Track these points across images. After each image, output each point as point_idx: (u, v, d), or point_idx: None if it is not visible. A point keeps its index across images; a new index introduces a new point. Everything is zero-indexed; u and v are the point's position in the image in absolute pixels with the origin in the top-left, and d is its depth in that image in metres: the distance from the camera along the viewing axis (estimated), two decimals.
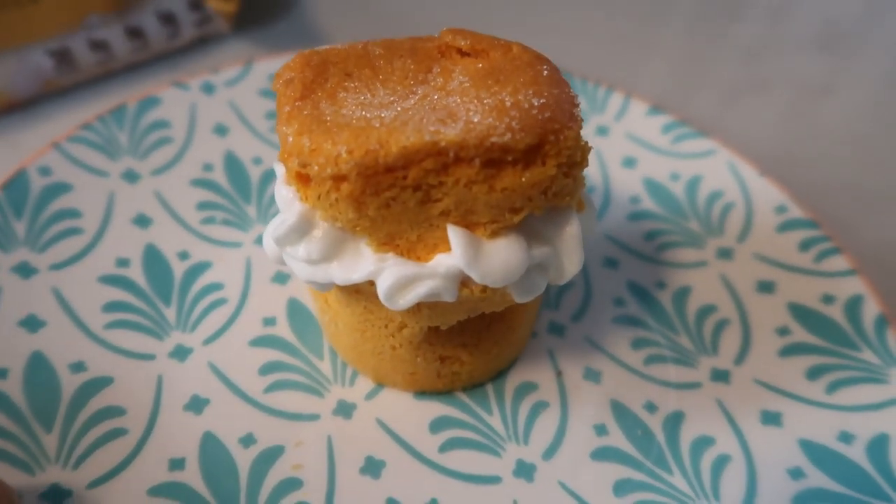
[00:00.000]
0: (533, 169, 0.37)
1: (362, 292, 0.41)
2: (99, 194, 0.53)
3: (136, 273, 0.50)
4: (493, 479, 0.44)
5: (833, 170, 0.66)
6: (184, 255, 0.52)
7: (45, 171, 0.52)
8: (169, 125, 0.57)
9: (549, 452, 0.45)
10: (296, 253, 0.39)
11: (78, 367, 0.45)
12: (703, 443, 0.46)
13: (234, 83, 0.61)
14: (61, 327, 0.46)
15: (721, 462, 0.45)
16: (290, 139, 0.37)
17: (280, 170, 0.41)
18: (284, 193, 0.40)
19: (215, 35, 0.70)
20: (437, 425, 0.46)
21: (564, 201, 0.40)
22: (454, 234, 0.38)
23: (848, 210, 0.63)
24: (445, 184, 0.37)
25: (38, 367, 0.44)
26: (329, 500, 0.42)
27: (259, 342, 0.48)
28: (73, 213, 0.51)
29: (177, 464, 0.42)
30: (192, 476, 0.42)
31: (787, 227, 0.56)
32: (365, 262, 0.39)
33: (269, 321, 0.49)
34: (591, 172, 0.58)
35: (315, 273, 0.40)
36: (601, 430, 0.47)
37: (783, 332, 0.51)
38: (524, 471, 0.44)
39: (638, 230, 0.57)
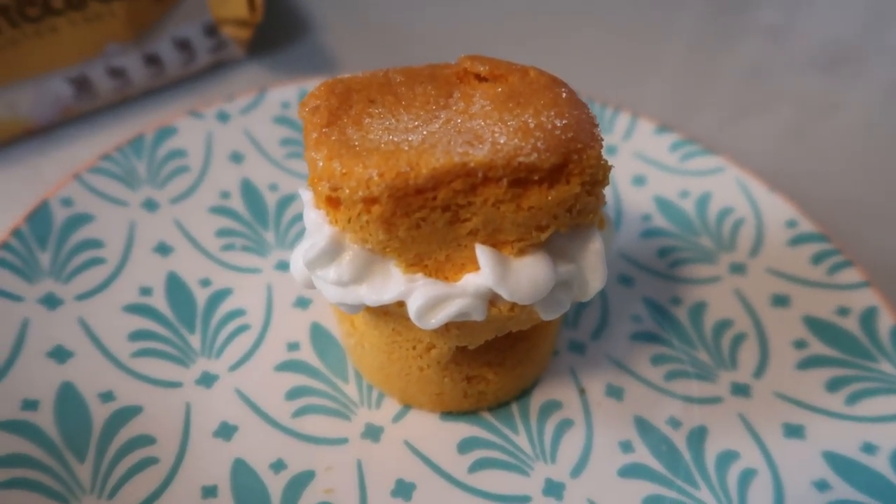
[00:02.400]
0: (558, 187, 0.38)
1: (391, 314, 0.42)
2: (120, 224, 0.53)
3: (159, 301, 0.50)
4: (524, 499, 0.44)
5: (836, 186, 0.67)
6: (205, 283, 0.52)
7: (67, 202, 0.52)
8: (186, 154, 0.58)
9: (577, 470, 0.46)
10: (326, 276, 0.40)
11: (107, 396, 0.45)
12: (728, 457, 0.47)
13: (248, 111, 0.62)
14: (89, 357, 0.46)
15: (747, 476, 0.46)
16: (321, 164, 0.38)
17: (307, 195, 0.42)
18: (314, 217, 0.40)
19: (230, 60, 0.71)
20: (465, 446, 0.46)
21: (588, 219, 0.40)
22: (483, 253, 0.39)
23: (851, 226, 0.64)
24: (474, 203, 0.37)
25: (69, 398, 0.44)
26: None
27: (284, 367, 0.49)
28: (96, 244, 0.52)
29: (209, 491, 0.42)
30: None
31: (798, 241, 0.57)
32: (395, 282, 0.39)
33: (293, 346, 0.50)
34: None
35: (346, 295, 0.40)
36: (627, 447, 0.47)
37: (800, 344, 0.52)
38: (553, 490, 0.45)
39: (651, 247, 0.58)
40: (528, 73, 0.43)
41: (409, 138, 0.38)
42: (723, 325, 0.53)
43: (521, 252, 0.39)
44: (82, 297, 0.49)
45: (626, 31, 0.83)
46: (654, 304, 0.55)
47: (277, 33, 0.75)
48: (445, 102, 0.42)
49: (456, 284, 0.39)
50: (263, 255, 0.54)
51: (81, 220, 0.52)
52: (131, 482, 0.42)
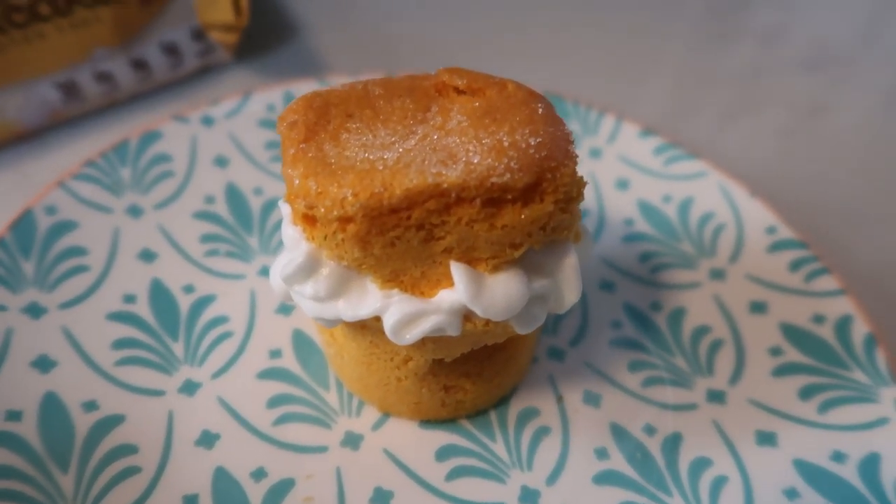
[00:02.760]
0: (532, 206, 0.38)
1: (368, 327, 0.42)
2: (104, 231, 0.54)
3: (142, 309, 0.51)
4: None
5: (827, 190, 0.67)
6: (189, 289, 0.53)
7: (50, 210, 0.53)
8: (170, 159, 0.58)
9: (552, 478, 0.46)
10: (303, 291, 0.41)
11: (90, 406, 0.46)
12: (701, 464, 0.47)
13: (232, 115, 0.62)
14: (73, 366, 0.47)
15: (719, 483, 0.47)
16: (297, 182, 0.38)
17: (286, 209, 0.42)
18: (291, 233, 0.41)
19: (217, 64, 0.71)
20: (443, 454, 0.47)
21: (562, 235, 0.41)
22: (457, 270, 0.39)
23: (841, 230, 0.64)
24: (448, 223, 0.38)
25: (52, 408, 0.45)
26: None
27: (266, 375, 0.49)
28: (80, 251, 0.52)
29: (191, 500, 0.43)
30: None
31: (777, 247, 0.57)
32: (371, 298, 0.40)
33: (276, 353, 0.50)
34: (586, 194, 0.59)
35: (323, 310, 0.41)
36: (602, 453, 0.48)
37: (776, 352, 0.52)
38: (529, 497, 0.46)
39: (632, 252, 0.59)
40: (507, 87, 0.43)
41: (385, 156, 0.39)
42: (701, 332, 0.54)
43: (496, 269, 0.40)
44: (66, 305, 0.50)
45: (619, 37, 0.83)
46: (634, 310, 0.55)
47: (265, 37, 0.75)
48: (423, 117, 0.42)
49: (431, 301, 0.40)
50: (247, 261, 0.55)
51: (65, 227, 0.53)
52: (113, 492, 0.42)
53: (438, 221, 0.38)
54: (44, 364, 0.47)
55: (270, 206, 0.58)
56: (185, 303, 0.52)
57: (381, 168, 0.38)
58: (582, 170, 0.40)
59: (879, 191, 0.68)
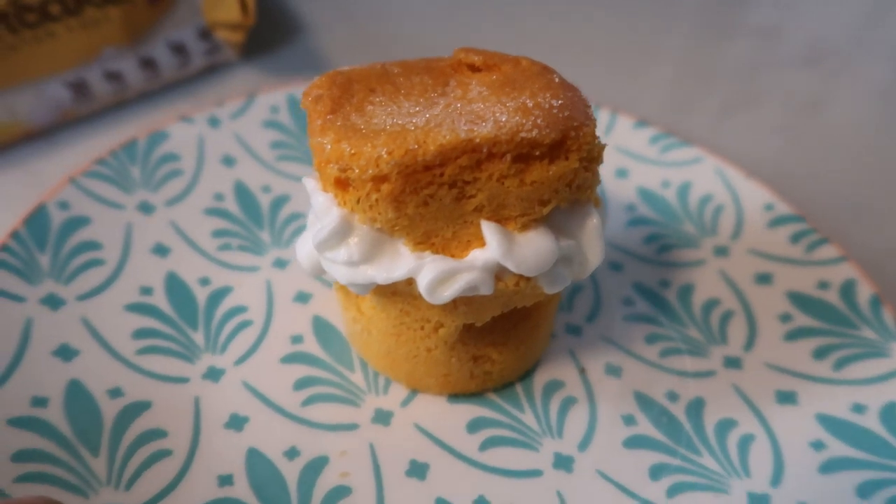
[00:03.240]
0: (558, 163, 0.39)
1: (400, 293, 0.43)
2: (117, 226, 0.53)
3: (160, 300, 0.50)
4: (535, 473, 0.45)
5: (823, 185, 0.69)
6: (205, 282, 0.52)
7: (63, 206, 0.52)
8: (179, 158, 0.59)
9: (584, 444, 0.47)
10: (336, 257, 0.41)
11: (115, 392, 0.45)
12: (726, 425, 0.48)
13: (238, 116, 0.63)
14: (94, 355, 0.46)
15: (746, 441, 0.47)
16: (329, 147, 0.39)
17: (311, 183, 0.43)
18: (321, 200, 0.41)
19: (224, 63, 0.72)
20: (474, 426, 0.47)
21: (585, 194, 0.42)
22: (488, 228, 0.40)
23: (838, 224, 0.65)
24: (479, 179, 0.39)
25: (77, 395, 0.44)
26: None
27: (290, 359, 0.49)
28: (94, 245, 0.52)
29: (225, 480, 0.42)
30: (242, 491, 0.42)
31: (776, 222, 0.59)
32: (404, 260, 0.40)
33: (297, 339, 0.50)
34: None
35: (356, 275, 0.41)
36: (629, 420, 0.48)
37: (785, 318, 0.54)
38: (563, 463, 0.46)
39: (637, 235, 0.60)
40: (521, 63, 0.45)
41: (414, 121, 0.40)
42: (711, 304, 0.55)
43: (525, 227, 0.41)
44: (84, 297, 0.49)
45: (619, 33, 0.85)
46: (643, 288, 0.56)
47: (270, 36, 0.77)
48: (443, 91, 0.43)
49: (464, 259, 0.40)
50: (260, 254, 0.55)
51: (79, 222, 0.52)
52: (147, 473, 0.42)
53: (470, 178, 0.39)
54: (66, 353, 0.46)
55: (279, 202, 0.59)
56: (201, 294, 0.52)
57: (412, 129, 0.39)
58: None
59: (875, 186, 0.70)
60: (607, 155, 0.64)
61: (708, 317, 0.55)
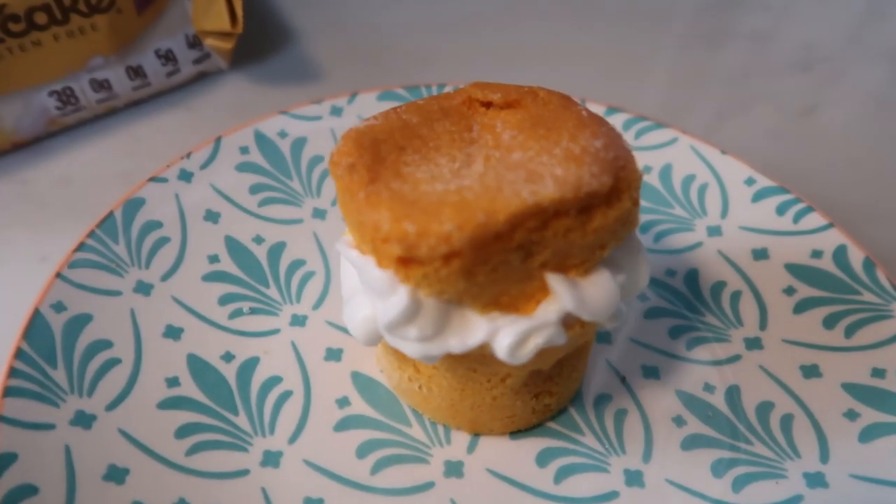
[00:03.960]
0: (615, 206, 0.39)
1: (469, 356, 0.42)
2: (120, 316, 0.49)
3: (190, 390, 0.47)
4: (612, 496, 0.46)
5: (816, 189, 0.69)
6: (228, 357, 0.50)
7: (59, 307, 0.47)
8: (161, 224, 0.54)
9: (647, 455, 0.48)
10: (406, 334, 0.39)
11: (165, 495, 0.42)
12: (765, 408, 0.51)
13: (207, 164, 0.58)
14: (147, 469, 0.43)
15: (787, 421, 0.50)
16: (386, 227, 0.37)
17: (351, 253, 0.41)
18: (380, 277, 0.39)
19: (214, 71, 0.71)
20: (543, 458, 0.47)
21: (633, 228, 0.42)
22: (556, 281, 0.40)
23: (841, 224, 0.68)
24: (545, 238, 0.38)
25: None
26: None
27: (343, 425, 0.48)
28: (105, 344, 0.47)
29: None
30: None
31: (760, 196, 0.62)
32: (477, 326, 0.40)
33: (343, 402, 0.49)
34: None
35: (430, 349, 0.40)
36: (679, 420, 0.50)
37: (790, 291, 0.57)
38: (634, 479, 0.47)
39: None
40: (539, 95, 0.44)
41: (465, 183, 0.38)
42: (718, 287, 0.57)
43: (586, 272, 0.41)
44: (112, 406, 0.45)
45: (614, 38, 0.84)
46: (652, 279, 0.58)
47: (261, 44, 0.75)
48: (470, 137, 0.42)
49: (537, 316, 0.40)
50: (275, 314, 0.52)
51: (80, 321, 0.48)
52: None
53: (538, 238, 0.38)
54: (116, 475, 0.42)
55: (276, 251, 0.56)
56: (229, 372, 0.49)
57: (471, 197, 0.37)
58: None
59: (868, 190, 0.72)
60: None
61: (719, 300, 0.57)
